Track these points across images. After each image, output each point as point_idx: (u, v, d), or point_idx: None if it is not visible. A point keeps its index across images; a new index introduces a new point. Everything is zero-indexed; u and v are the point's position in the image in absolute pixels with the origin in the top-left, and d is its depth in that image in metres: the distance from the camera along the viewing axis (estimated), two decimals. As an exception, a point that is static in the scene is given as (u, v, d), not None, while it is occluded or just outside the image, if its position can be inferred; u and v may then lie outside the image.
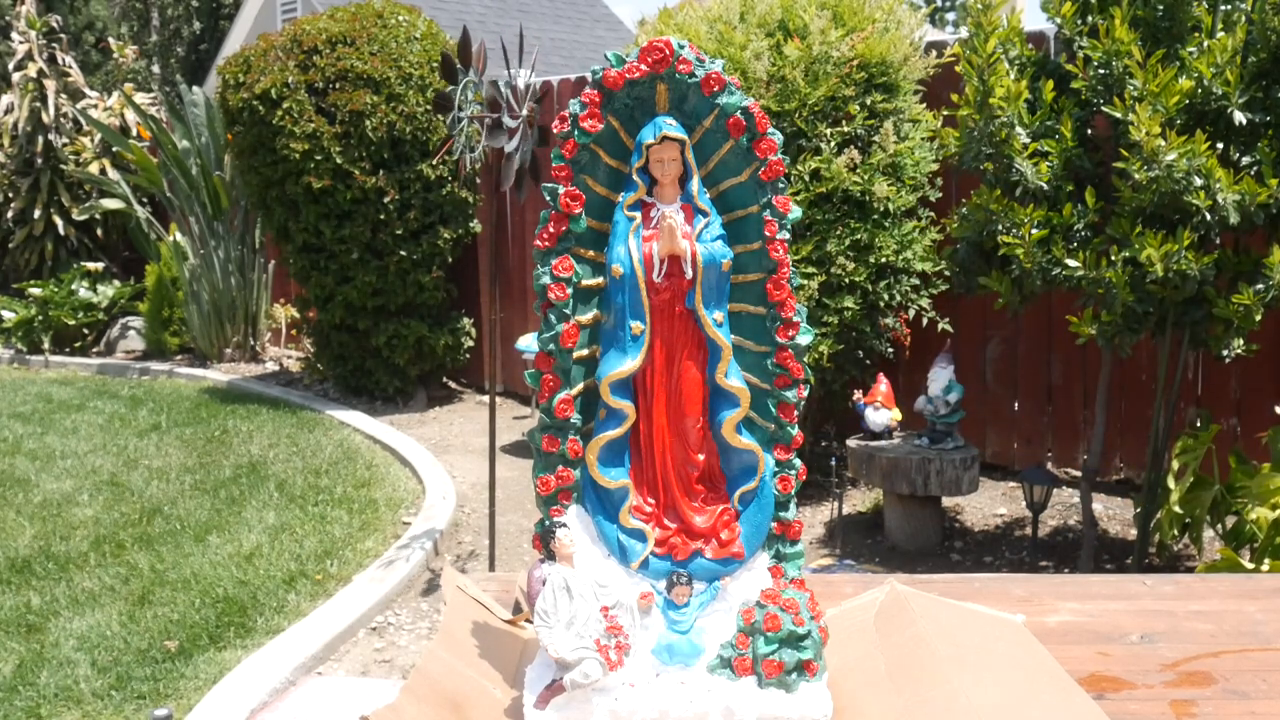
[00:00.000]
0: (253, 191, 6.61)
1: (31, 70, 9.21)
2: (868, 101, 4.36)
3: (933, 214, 4.51)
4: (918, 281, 4.51)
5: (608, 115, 0.99)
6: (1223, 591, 1.37)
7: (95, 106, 9.46)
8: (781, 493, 1.02)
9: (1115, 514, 4.44)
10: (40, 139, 9.11)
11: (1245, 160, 3.11)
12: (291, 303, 7.65)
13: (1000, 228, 3.39)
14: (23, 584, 3.84)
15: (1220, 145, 3.11)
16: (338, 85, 6.17)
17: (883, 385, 4.32)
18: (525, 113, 3.37)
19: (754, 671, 0.95)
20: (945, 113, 4.20)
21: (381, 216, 6.25)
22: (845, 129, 4.31)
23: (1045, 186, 3.29)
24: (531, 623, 0.98)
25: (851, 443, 4.30)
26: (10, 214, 9.18)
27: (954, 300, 4.60)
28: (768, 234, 1.00)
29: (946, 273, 4.26)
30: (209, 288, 8.01)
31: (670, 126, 0.97)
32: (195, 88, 8.31)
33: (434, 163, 6.31)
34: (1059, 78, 3.40)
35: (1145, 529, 3.62)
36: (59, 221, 9.19)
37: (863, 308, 4.31)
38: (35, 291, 8.63)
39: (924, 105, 4.55)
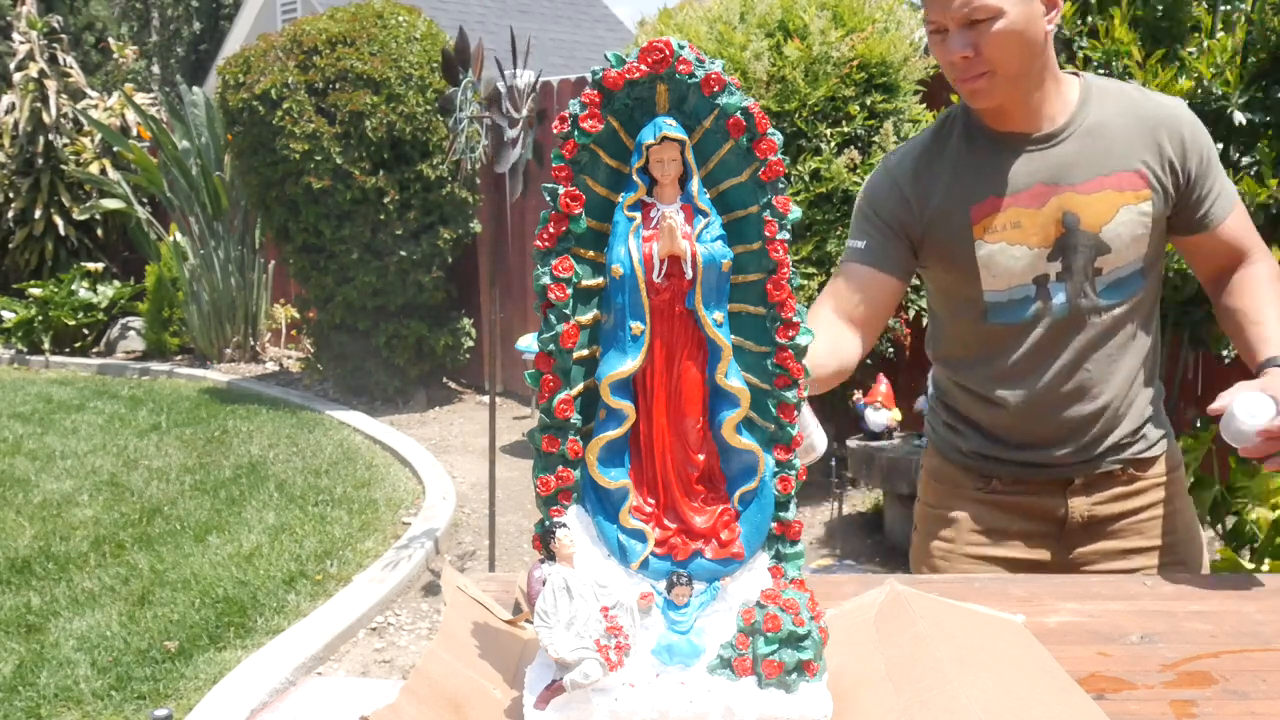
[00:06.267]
0: (253, 191, 6.61)
1: (32, 70, 9.21)
2: (868, 102, 4.36)
3: (933, 214, 4.51)
4: (918, 281, 4.51)
5: (608, 115, 0.99)
6: (1223, 592, 1.37)
7: (95, 107, 9.46)
8: (781, 493, 1.02)
9: (1115, 514, 4.44)
10: (41, 139, 9.11)
11: (1245, 160, 3.11)
12: (291, 303, 7.65)
13: (1000, 228, 3.38)
14: (23, 584, 3.84)
15: (1220, 145, 3.11)
16: (338, 85, 6.17)
17: (883, 385, 4.32)
18: (525, 113, 3.37)
19: (754, 672, 0.95)
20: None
21: (381, 216, 6.25)
22: (845, 129, 4.32)
23: (1045, 186, 3.29)
24: (531, 623, 0.98)
25: (851, 443, 4.30)
26: (10, 214, 9.18)
27: (954, 300, 4.60)
28: (768, 234, 1.00)
29: (946, 273, 4.26)
30: (209, 288, 8.01)
31: (670, 127, 0.96)
32: (195, 88, 8.31)
33: (434, 163, 6.31)
34: (1059, 78, 3.40)
35: (1145, 529, 3.62)
36: (59, 221, 9.19)
37: (863, 308, 4.31)
38: (35, 291, 8.63)
39: (924, 105, 4.55)
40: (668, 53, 0.97)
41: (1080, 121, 1.61)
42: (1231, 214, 1.65)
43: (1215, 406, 1.38)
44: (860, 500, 4.78)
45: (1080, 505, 1.70)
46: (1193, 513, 1.79)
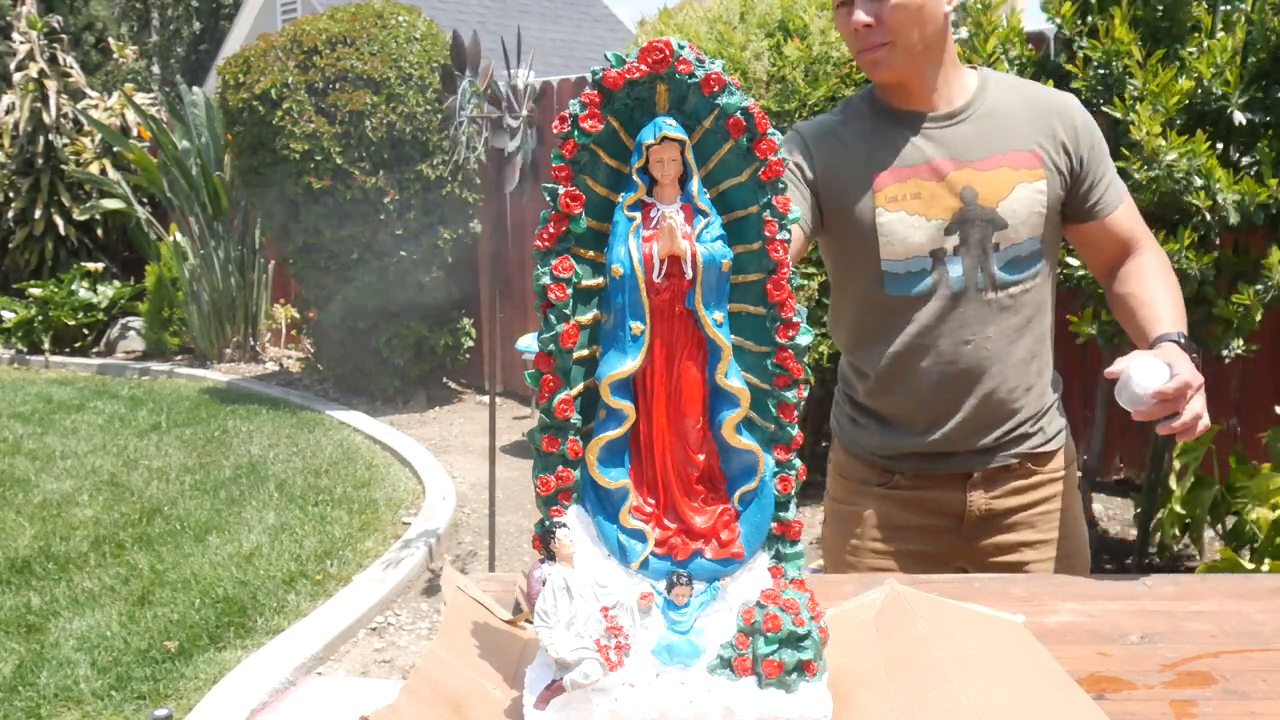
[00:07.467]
0: (253, 191, 6.61)
1: (32, 70, 9.21)
2: (868, 101, 4.36)
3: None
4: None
5: (607, 115, 0.99)
6: (1223, 591, 1.37)
7: (96, 107, 9.45)
8: (781, 493, 1.02)
9: (1115, 514, 4.44)
10: (41, 139, 9.11)
11: (1245, 160, 3.11)
12: (291, 303, 7.65)
13: (1000, 228, 3.37)
14: (23, 584, 3.84)
15: (1220, 145, 3.10)
16: (338, 85, 6.17)
17: (883, 385, 4.31)
18: (525, 113, 3.37)
19: (754, 672, 0.95)
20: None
21: (381, 216, 6.24)
22: (845, 129, 4.31)
23: (1045, 186, 3.29)
24: (531, 623, 0.98)
25: (851, 443, 4.30)
26: (10, 214, 9.18)
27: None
28: (768, 234, 1.00)
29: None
30: (209, 288, 8.01)
31: (670, 127, 0.96)
32: (195, 88, 8.31)
33: (434, 163, 6.31)
34: (1059, 78, 3.39)
35: (1145, 529, 3.63)
36: (59, 221, 9.19)
37: (863, 308, 4.31)
38: (35, 291, 8.63)
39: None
40: (668, 53, 0.97)
41: (978, 105, 1.69)
42: (1122, 204, 1.73)
43: (1112, 370, 1.42)
44: (860, 500, 4.78)
45: (979, 499, 1.75)
46: (1079, 509, 1.85)
